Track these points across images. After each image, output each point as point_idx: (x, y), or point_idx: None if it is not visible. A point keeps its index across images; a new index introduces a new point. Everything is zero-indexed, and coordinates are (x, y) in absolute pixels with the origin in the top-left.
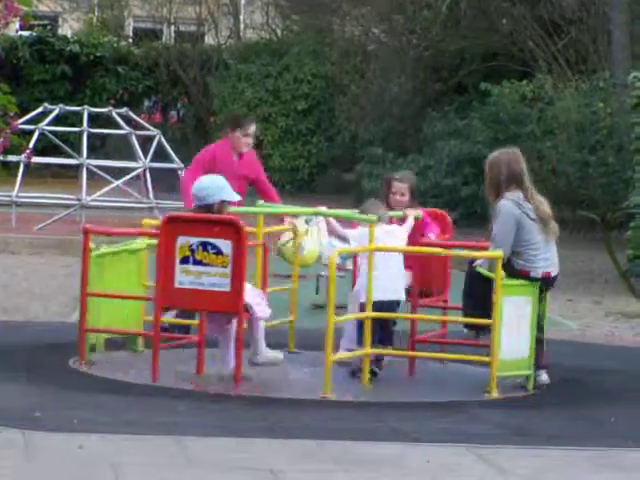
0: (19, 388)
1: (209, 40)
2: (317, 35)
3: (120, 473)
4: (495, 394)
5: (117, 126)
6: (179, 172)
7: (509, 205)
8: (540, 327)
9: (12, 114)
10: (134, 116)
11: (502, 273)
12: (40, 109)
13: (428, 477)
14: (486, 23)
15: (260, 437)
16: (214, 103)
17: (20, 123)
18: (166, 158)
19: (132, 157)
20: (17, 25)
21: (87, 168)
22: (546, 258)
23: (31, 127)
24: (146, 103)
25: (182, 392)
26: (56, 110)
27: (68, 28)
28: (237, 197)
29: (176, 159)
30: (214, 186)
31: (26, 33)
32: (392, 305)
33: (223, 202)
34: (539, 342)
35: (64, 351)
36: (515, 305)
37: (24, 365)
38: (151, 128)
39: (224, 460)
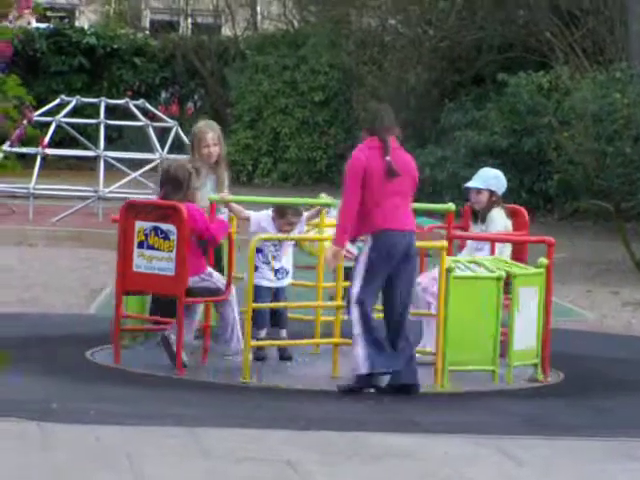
0: (36, 380)
1: (226, 31)
2: (334, 26)
3: (136, 464)
4: None
5: (134, 118)
6: None
7: None
8: None
9: (27, 104)
10: (151, 108)
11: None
12: (57, 101)
13: (446, 468)
14: (503, 14)
15: (276, 428)
16: (231, 95)
17: (37, 115)
18: (183, 150)
19: (149, 149)
20: (33, 18)
21: (104, 160)
22: None
23: (48, 119)
24: (163, 95)
25: (197, 383)
26: (73, 102)
27: (85, 20)
28: None
29: None
30: None
31: (43, 25)
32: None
33: None
34: None
35: (81, 343)
36: None
37: (41, 357)
38: (168, 120)
39: (240, 451)
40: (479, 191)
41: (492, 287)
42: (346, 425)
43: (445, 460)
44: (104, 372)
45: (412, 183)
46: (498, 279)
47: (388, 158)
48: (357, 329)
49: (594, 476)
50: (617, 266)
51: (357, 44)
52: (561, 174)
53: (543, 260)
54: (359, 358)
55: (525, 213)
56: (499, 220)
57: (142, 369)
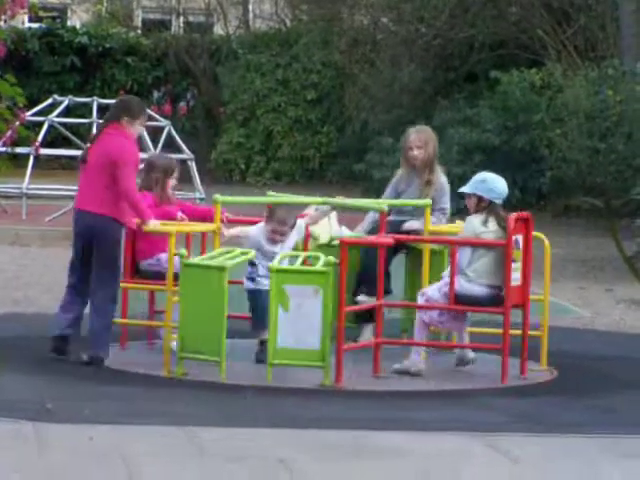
0: (30, 380)
1: (218, 30)
2: (326, 24)
3: (131, 464)
4: None
5: None
6: (189, 163)
7: None
8: None
9: (20, 106)
10: None
11: None
12: (49, 101)
13: (439, 465)
14: (495, 11)
15: (270, 427)
16: (223, 93)
17: (29, 115)
18: (176, 149)
19: (141, 148)
20: (26, 17)
21: None
22: None
23: (40, 119)
24: (155, 94)
25: (192, 382)
26: (65, 101)
27: (77, 19)
28: None
29: (186, 150)
30: None
31: (35, 25)
32: None
33: None
34: None
35: (75, 342)
36: None
37: (35, 357)
38: (161, 119)
39: (234, 450)
40: (469, 195)
41: (218, 278)
42: (339, 423)
43: (439, 457)
44: (97, 371)
45: (102, 165)
46: (222, 269)
47: (87, 144)
48: None
49: (589, 473)
50: (610, 263)
51: (349, 42)
52: (554, 171)
53: (330, 259)
54: None
55: (529, 219)
56: (467, 226)
57: (136, 368)
